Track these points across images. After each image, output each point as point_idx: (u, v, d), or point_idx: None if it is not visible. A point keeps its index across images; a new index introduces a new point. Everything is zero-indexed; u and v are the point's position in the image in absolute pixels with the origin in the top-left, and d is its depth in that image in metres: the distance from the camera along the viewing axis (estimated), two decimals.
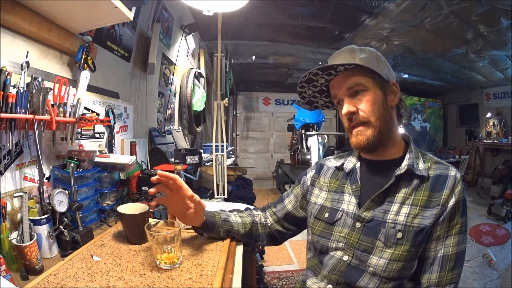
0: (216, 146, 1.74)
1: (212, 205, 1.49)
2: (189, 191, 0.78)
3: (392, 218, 0.70)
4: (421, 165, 0.73)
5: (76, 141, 1.16)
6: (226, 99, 1.90)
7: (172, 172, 1.09)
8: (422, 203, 0.70)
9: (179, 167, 1.03)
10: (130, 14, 1.07)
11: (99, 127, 1.36)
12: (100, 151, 1.30)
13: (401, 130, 0.80)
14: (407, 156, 0.74)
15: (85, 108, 1.13)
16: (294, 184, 0.96)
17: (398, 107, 0.78)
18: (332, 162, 0.88)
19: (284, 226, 0.92)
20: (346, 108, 0.73)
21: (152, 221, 0.92)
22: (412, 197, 0.71)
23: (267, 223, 0.93)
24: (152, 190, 0.73)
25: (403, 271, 0.68)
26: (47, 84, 0.92)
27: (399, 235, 0.68)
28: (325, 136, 4.27)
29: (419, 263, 0.71)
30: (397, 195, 0.72)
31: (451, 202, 0.69)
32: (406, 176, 0.72)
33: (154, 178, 0.73)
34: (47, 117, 0.87)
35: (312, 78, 0.76)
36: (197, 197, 0.80)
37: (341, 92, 0.74)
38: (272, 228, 0.92)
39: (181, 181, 0.77)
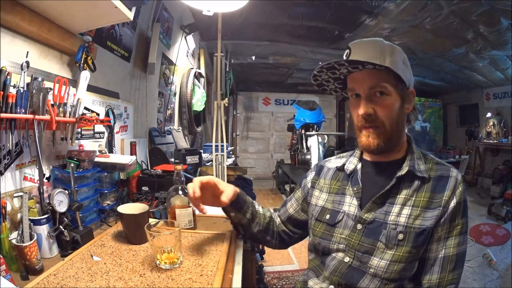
0: (216, 146, 1.74)
1: None
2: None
3: (393, 219, 0.70)
4: (422, 166, 0.73)
5: (76, 141, 1.16)
6: (226, 99, 1.89)
7: (172, 172, 1.09)
8: (423, 204, 0.70)
9: (179, 167, 1.02)
10: (130, 14, 1.07)
11: (99, 127, 1.36)
12: (100, 151, 1.29)
13: None
14: (408, 157, 0.74)
15: (85, 108, 1.12)
16: (296, 187, 0.96)
17: (409, 114, 0.78)
18: (332, 163, 0.88)
19: (289, 229, 0.93)
20: (364, 109, 0.71)
21: (152, 221, 0.92)
22: (413, 199, 0.71)
23: (276, 223, 0.94)
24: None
25: (404, 272, 0.68)
26: (47, 84, 0.92)
27: (400, 236, 0.68)
28: (325, 136, 4.28)
29: (419, 264, 0.71)
30: (398, 196, 0.72)
31: (452, 203, 0.69)
32: (407, 177, 0.72)
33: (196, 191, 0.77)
34: (47, 117, 0.87)
35: (336, 66, 0.72)
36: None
37: (361, 89, 0.72)
38: (279, 228, 0.93)
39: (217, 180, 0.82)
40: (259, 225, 0.88)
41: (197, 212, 1.23)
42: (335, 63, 0.71)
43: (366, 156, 0.81)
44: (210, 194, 0.81)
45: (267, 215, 0.91)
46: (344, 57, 0.72)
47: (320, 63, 0.71)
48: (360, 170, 0.80)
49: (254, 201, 0.91)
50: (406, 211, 0.70)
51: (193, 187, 0.77)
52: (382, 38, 0.75)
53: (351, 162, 0.82)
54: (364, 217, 0.73)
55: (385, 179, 0.74)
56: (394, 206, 0.71)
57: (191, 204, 1.03)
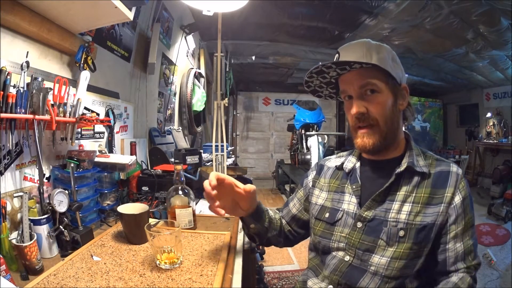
0: (216, 146, 1.74)
1: None
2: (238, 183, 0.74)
3: (394, 216, 0.70)
4: (421, 162, 0.74)
5: (76, 141, 1.16)
6: (226, 99, 1.89)
7: (172, 172, 1.09)
8: (423, 200, 0.70)
9: (179, 167, 1.03)
10: (130, 14, 1.07)
11: (99, 127, 1.36)
12: (100, 151, 1.29)
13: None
14: (407, 154, 0.74)
15: (85, 108, 1.12)
16: (297, 187, 0.96)
17: (404, 111, 0.78)
18: (332, 162, 0.88)
19: (294, 229, 0.92)
20: (356, 108, 0.71)
21: (152, 221, 0.92)
22: (414, 195, 0.71)
23: (283, 223, 0.93)
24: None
25: (405, 269, 0.68)
26: (47, 84, 0.92)
27: (401, 233, 0.68)
28: (325, 136, 4.27)
29: (436, 265, 0.71)
30: (398, 193, 0.72)
31: (459, 200, 0.69)
32: (406, 173, 0.72)
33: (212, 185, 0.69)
34: (47, 117, 0.87)
35: (324, 70, 0.73)
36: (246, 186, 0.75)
37: (352, 89, 0.72)
38: (285, 229, 0.92)
39: (230, 178, 0.73)
40: (274, 230, 0.86)
41: (197, 212, 1.24)
42: (323, 66, 0.71)
43: (365, 155, 0.81)
44: (227, 194, 0.73)
45: (277, 218, 0.90)
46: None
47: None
48: (359, 169, 0.80)
49: (265, 206, 0.88)
50: (407, 207, 0.70)
51: (210, 179, 0.69)
52: (369, 39, 0.76)
53: (350, 161, 0.83)
54: (364, 215, 0.73)
55: (384, 176, 0.74)
56: (394, 203, 0.71)
57: (191, 204, 1.03)
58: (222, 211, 0.73)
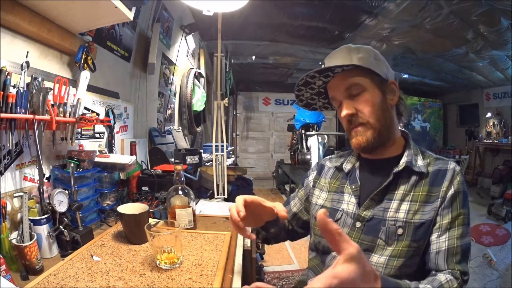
0: (216, 146, 1.74)
1: (212, 205, 1.49)
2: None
3: (392, 215, 0.70)
4: (420, 162, 0.74)
5: (76, 141, 1.16)
6: (226, 99, 1.89)
7: (172, 172, 1.09)
8: (422, 198, 0.70)
9: (179, 167, 1.03)
10: (130, 14, 1.07)
11: (99, 127, 1.36)
12: (100, 151, 1.29)
13: (400, 128, 0.80)
14: (405, 153, 0.74)
15: (85, 108, 1.13)
16: (298, 187, 0.96)
17: (398, 106, 0.78)
18: (332, 162, 0.89)
19: (294, 228, 0.93)
20: (345, 108, 0.72)
21: (152, 221, 0.92)
22: (412, 194, 0.71)
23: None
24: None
25: (404, 268, 0.68)
26: (47, 84, 0.92)
27: (400, 231, 0.68)
28: (325, 136, 4.27)
29: (422, 258, 0.70)
30: (396, 192, 0.72)
31: (450, 192, 0.69)
32: (404, 173, 0.72)
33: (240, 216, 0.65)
34: (47, 117, 0.87)
35: (309, 80, 0.75)
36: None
37: (339, 94, 0.74)
38: (288, 227, 0.94)
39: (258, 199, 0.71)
40: (284, 230, 0.88)
41: (197, 212, 1.24)
42: (307, 77, 0.73)
43: (364, 155, 0.81)
44: (252, 214, 0.70)
45: None
46: None
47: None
48: (358, 169, 0.80)
49: None
50: (405, 206, 0.70)
51: (236, 205, 0.66)
52: (350, 44, 0.77)
53: (349, 161, 0.83)
54: (362, 215, 0.73)
55: (383, 176, 0.74)
56: (393, 202, 0.71)
57: (191, 204, 1.03)
58: (254, 236, 0.70)
